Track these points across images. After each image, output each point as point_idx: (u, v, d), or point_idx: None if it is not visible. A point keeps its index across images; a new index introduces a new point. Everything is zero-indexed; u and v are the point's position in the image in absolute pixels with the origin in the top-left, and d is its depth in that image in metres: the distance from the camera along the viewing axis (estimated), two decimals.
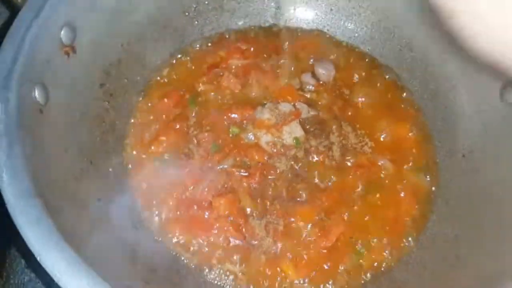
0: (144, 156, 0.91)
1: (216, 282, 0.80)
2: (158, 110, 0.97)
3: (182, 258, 0.82)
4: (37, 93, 0.71)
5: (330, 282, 0.81)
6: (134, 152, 0.92)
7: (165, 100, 0.97)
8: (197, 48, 1.07)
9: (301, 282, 0.80)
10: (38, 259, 0.52)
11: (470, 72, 0.92)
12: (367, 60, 1.08)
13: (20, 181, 0.58)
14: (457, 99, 0.95)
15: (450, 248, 0.81)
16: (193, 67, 1.03)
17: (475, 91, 0.91)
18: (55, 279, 0.51)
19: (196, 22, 1.08)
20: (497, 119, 0.85)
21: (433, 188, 0.91)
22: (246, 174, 0.89)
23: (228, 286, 0.80)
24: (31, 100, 0.70)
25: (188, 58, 1.05)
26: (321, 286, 0.80)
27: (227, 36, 1.10)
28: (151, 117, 0.96)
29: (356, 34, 1.11)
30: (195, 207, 0.86)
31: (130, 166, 0.91)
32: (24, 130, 0.65)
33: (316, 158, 0.92)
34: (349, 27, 1.12)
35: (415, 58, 1.04)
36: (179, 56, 1.05)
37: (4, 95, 0.64)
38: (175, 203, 0.86)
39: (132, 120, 0.96)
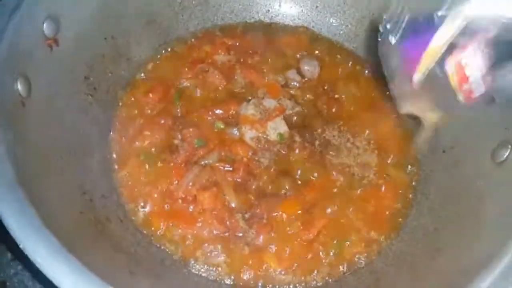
0: (128, 150, 0.91)
1: (200, 273, 0.81)
2: (142, 104, 0.97)
3: (166, 250, 0.83)
4: (19, 86, 0.71)
5: (312, 274, 0.82)
6: (118, 146, 0.92)
7: (150, 94, 0.97)
8: (183, 43, 1.07)
9: (283, 273, 0.82)
10: (20, 246, 0.53)
11: None
12: (351, 57, 1.10)
13: (2, 170, 0.58)
14: None
15: (429, 240, 0.83)
16: (178, 62, 1.03)
17: None
18: (37, 265, 0.52)
19: (181, 17, 1.08)
20: (478, 115, 0.87)
21: (414, 183, 0.94)
22: (231, 169, 0.90)
23: (212, 277, 0.81)
24: (13, 93, 0.70)
25: (173, 53, 1.06)
26: (303, 277, 0.82)
27: (212, 32, 1.10)
28: (136, 112, 0.96)
29: (341, 31, 1.13)
30: (180, 201, 0.86)
31: (114, 160, 0.91)
32: (5, 121, 0.65)
33: (299, 154, 0.93)
34: (334, 24, 1.13)
35: None
36: (164, 51, 1.05)
37: None
38: (160, 197, 0.87)
39: (116, 115, 0.96)
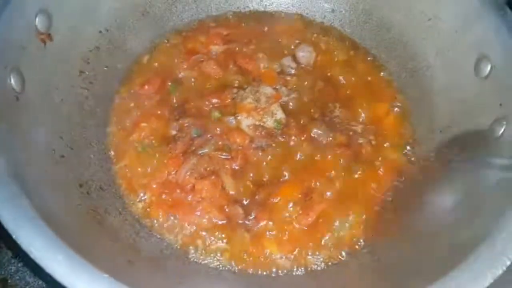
0: (126, 142, 0.92)
1: (200, 261, 0.81)
2: (139, 96, 0.97)
3: (166, 239, 0.83)
4: (12, 80, 0.71)
5: (312, 258, 0.82)
6: (116, 139, 0.93)
7: (146, 86, 0.98)
8: (177, 35, 1.07)
9: (284, 258, 0.81)
10: (13, 237, 0.52)
11: (444, 50, 0.94)
12: (346, 42, 1.10)
13: None
14: (434, 77, 0.97)
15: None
16: (174, 54, 1.04)
17: (451, 68, 0.93)
18: (31, 256, 0.51)
19: (175, 8, 1.09)
20: (473, 93, 0.86)
21: (411, 164, 0.93)
22: (228, 157, 0.90)
23: (212, 265, 0.81)
24: (6, 87, 0.70)
25: (169, 44, 1.06)
26: (303, 261, 0.82)
27: (207, 22, 1.10)
28: (132, 104, 0.96)
29: (335, 17, 1.12)
30: (178, 191, 0.86)
31: (112, 152, 0.91)
32: None
33: (296, 139, 0.93)
34: (328, 10, 1.12)
35: (393, 39, 1.06)
36: (159, 42, 1.06)
37: None
38: (158, 187, 0.87)
39: (113, 107, 0.96)
